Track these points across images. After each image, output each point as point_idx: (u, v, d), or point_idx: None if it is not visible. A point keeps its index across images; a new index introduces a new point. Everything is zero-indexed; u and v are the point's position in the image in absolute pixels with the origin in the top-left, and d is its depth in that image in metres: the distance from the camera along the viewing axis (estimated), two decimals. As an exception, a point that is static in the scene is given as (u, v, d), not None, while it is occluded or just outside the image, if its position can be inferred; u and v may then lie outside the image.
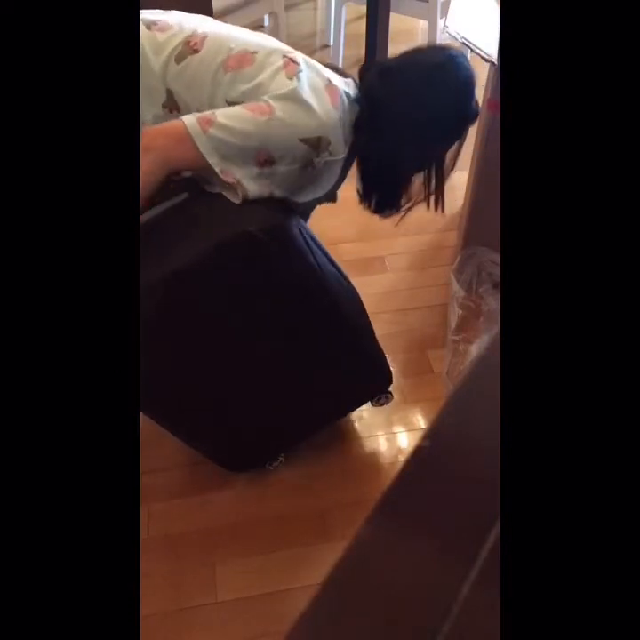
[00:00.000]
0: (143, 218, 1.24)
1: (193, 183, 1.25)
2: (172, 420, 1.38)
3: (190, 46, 1.14)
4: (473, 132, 1.88)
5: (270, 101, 1.10)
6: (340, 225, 2.09)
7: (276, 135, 1.11)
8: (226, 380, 1.34)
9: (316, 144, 1.14)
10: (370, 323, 1.47)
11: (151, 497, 1.54)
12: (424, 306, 1.94)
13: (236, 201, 1.16)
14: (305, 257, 1.23)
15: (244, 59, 1.14)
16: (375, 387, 1.59)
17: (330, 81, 1.16)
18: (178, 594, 1.40)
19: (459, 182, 2.15)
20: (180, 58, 1.14)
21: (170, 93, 1.16)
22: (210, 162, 1.09)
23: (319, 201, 1.37)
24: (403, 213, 1.39)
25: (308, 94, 1.11)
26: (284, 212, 1.21)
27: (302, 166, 1.17)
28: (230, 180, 1.12)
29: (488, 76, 1.72)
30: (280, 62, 1.13)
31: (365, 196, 1.34)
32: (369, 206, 1.36)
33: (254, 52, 1.15)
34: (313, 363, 1.41)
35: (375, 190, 1.33)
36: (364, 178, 1.31)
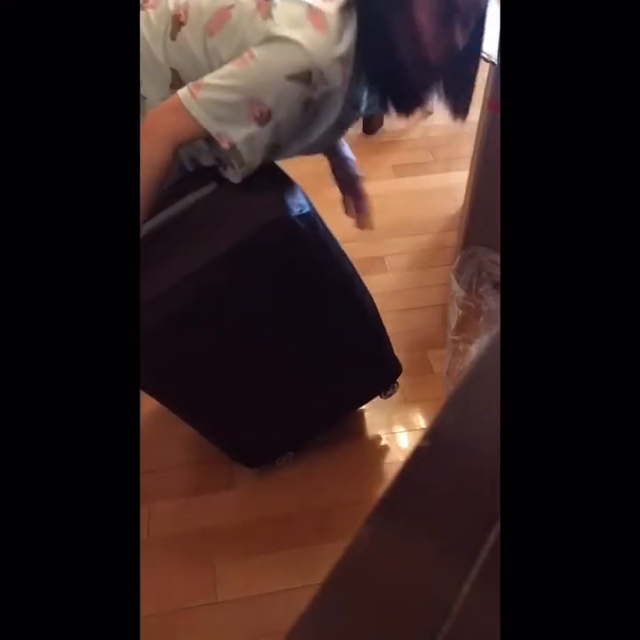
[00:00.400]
0: (172, 209, 1.22)
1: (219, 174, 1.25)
2: (194, 409, 1.38)
3: (178, 20, 1.12)
4: (473, 132, 1.89)
5: (252, 50, 1.05)
6: (339, 225, 2.09)
7: (261, 80, 1.05)
8: (252, 371, 1.34)
9: (308, 78, 1.05)
10: (379, 314, 1.49)
11: (151, 497, 1.54)
12: (424, 306, 1.94)
13: (235, 179, 1.13)
14: (331, 245, 1.29)
15: (222, 16, 1.10)
16: (388, 377, 1.61)
17: (310, 6, 1.06)
18: (178, 594, 1.40)
19: (459, 182, 2.15)
20: (173, 35, 1.13)
21: (175, 73, 1.14)
22: (204, 126, 1.06)
23: (313, 150, 1.27)
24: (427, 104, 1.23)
25: (285, 28, 1.04)
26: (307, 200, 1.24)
27: (303, 108, 1.10)
28: (225, 145, 1.08)
29: (488, 75, 1.72)
30: (253, 5, 1.08)
31: (382, 105, 1.23)
32: (392, 111, 1.22)
33: (231, 6, 1.10)
34: (334, 354, 1.43)
35: (389, 91, 1.19)
36: (373, 81, 1.17)
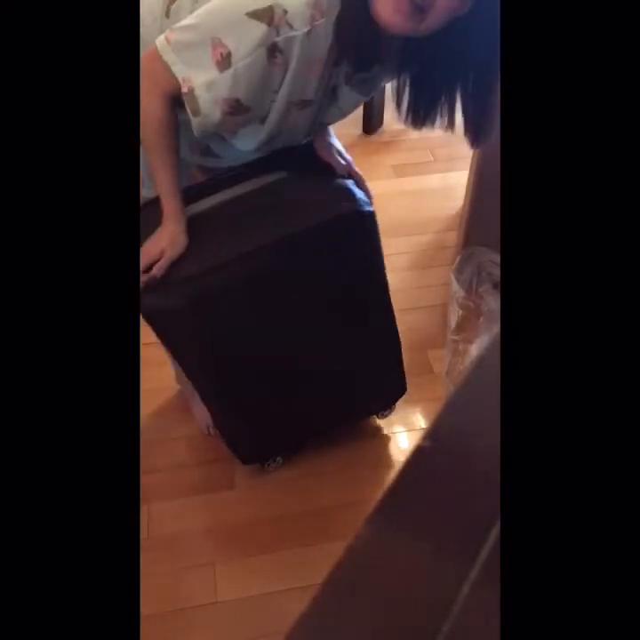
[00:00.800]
0: (237, 189, 1.23)
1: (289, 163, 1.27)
2: (221, 386, 1.39)
3: None
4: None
5: None
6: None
7: (222, 17, 0.99)
8: (276, 356, 1.36)
9: (270, 16, 0.95)
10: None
11: (151, 497, 1.54)
12: (424, 306, 1.94)
13: (196, 133, 1.09)
14: (381, 250, 1.33)
15: None
16: (392, 396, 1.64)
17: None
18: (178, 594, 1.40)
19: (459, 182, 2.15)
20: (167, 13, 1.12)
21: None
22: (173, 70, 1.02)
23: (294, 136, 1.21)
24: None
25: None
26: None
27: (267, 54, 0.99)
28: (185, 89, 1.03)
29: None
30: None
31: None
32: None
33: None
34: (356, 358, 1.45)
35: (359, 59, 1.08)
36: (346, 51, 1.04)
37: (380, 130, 2.62)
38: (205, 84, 1.02)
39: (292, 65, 1.01)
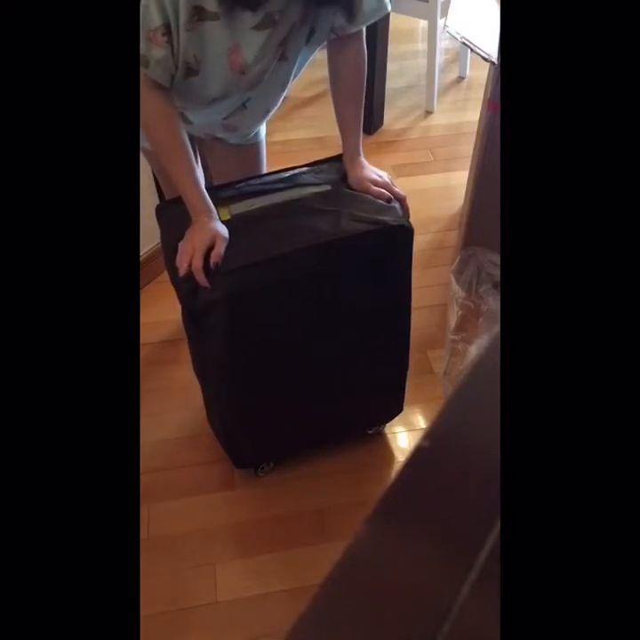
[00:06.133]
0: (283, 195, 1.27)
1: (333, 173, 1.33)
2: (231, 385, 1.39)
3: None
4: (473, 132, 1.89)
5: None
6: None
7: None
8: (289, 359, 1.37)
9: None
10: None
11: (151, 497, 1.54)
12: (424, 306, 1.94)
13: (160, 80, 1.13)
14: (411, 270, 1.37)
15: None
16: (388, 415, 1.65)
17: None
18: (178, 594, 1.40)
19: (459, 182, 2.15)
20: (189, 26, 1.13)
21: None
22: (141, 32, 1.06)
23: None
24: None
25: None
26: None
27: None
28: (143, 51, 1.08)
29: (488, 75, 1.72)
30: None
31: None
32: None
33: None
34: (364, 372, 1.46)
35: None
36: None
37: (380, 130, 2.62)
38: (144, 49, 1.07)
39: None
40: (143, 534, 1.48)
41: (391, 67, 2.63)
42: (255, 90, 1.25)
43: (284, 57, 1.21)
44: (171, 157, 1.20)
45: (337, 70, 1.31)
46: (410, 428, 1.69)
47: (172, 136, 1.19)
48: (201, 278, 1.15)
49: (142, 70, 1.10)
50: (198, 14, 1.07)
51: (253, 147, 1.50)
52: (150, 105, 1.14)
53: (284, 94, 1.36)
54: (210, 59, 1.14)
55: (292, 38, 1.17)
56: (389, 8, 1.23)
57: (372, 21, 1.23)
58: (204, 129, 1.40)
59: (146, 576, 1.39)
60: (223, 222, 1.21)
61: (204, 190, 1.22)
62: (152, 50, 1.08)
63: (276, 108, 1.39)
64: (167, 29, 1.07)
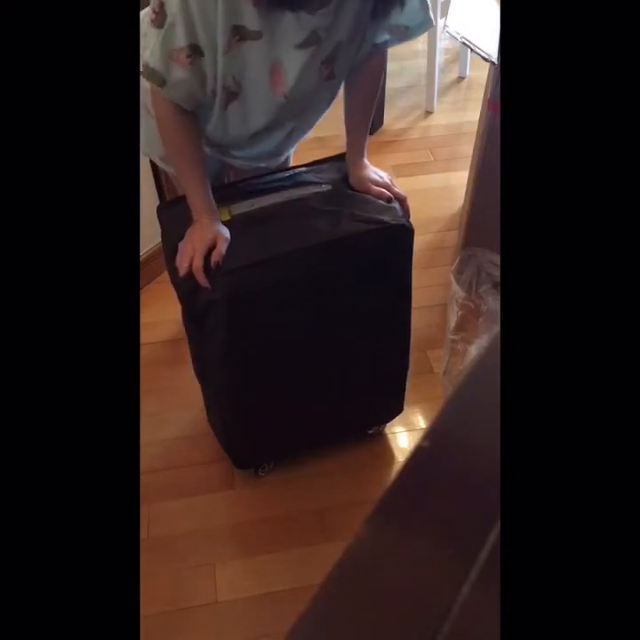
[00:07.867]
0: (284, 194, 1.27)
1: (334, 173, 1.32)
2: (231, 385, 1.39)
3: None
4: (473, 132, 1.88)
5: None
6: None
7: None
8: (289, 359, 1.36)
9: None
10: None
11: (151, 497, 1.54)
12: (424, 306, 1.94)
13: (175, 99, 1.09)
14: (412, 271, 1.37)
15: None
16: (388, 416, 1.65)
17: None
18: (178, 594, 1.40)
19: (459, 182, 2.15)
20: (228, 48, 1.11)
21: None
22: (142, 46, 1.04)
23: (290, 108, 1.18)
24: None
25: None
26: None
27: None
28: (142, 68, 1.05)
29: (488, 75, 1.72)
30: None
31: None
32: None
33: None
34: (365, 373, 1.46)
35: None
36: None
37: (380, 130, 2.62)
38: (151, 49, 1.02)
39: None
40: (143, 534, 1.48)
41: (391, 67, 2.63)
42: (298, 119, 1.23)
43: (331, 76, 1.15)
44: (181, 154, 1.19)
45: (355, 79, 1.27)
46: (410, 428, 1.69)
47: (188, 141, 1.17)
48: (201, 278, 1.15)
49: (158, 89, 1.07)
50: (239, 34, 1.02)
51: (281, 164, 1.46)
52: (165, 113, 1.12)
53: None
54: (250, 80, 1.10)
55: (340, 56, 1.12)
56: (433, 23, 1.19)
57: (419, 36, 1.19)
58: (247, 162, 1.36)
59: (146, 576, 1.39)
60: (223, 222, 1.21)
61: (210, 191, 1.21)
62: (172, 69, 1.03)
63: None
64: (193, 51, 1.02)
